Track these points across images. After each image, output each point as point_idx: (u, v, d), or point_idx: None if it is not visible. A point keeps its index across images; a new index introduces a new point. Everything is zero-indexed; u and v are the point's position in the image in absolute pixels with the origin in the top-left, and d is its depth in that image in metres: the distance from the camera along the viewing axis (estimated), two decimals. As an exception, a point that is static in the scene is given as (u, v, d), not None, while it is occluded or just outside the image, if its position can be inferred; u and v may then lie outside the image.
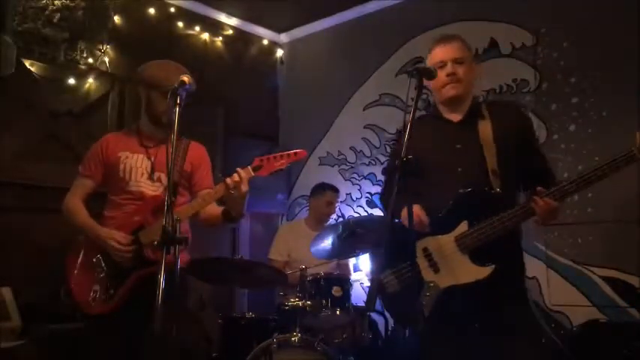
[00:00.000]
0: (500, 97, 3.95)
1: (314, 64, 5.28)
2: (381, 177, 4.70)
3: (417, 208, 2.21)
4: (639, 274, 3.34)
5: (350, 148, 4.92)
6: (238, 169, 2.42)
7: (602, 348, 3.07)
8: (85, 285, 2.49)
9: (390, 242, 2.12)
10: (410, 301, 2.21)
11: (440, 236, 2.22)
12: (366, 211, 4.77)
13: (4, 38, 3.31)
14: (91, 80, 4.01)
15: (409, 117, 1.97)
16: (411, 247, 2.24)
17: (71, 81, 3.92)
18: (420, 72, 2.03)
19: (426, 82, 2.20)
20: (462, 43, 2.35)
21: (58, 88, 3.85)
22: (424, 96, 3.68)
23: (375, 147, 4.77)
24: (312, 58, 5.31)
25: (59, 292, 3.01)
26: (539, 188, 2.06)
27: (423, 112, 2.59)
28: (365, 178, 4.81)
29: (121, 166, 2.57)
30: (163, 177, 2.58)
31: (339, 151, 5.00)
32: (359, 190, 4.84)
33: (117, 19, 4.20)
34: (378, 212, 4.67)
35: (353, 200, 4.85)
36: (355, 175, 4.87)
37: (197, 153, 2.72)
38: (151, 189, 2.56)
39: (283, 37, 5.49)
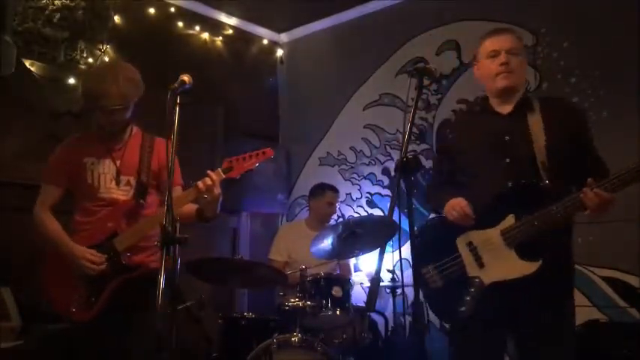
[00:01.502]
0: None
1: (314, 64, 5.28)
2: (381, 177, 4.70)
3: (461, 201, 2.19)
4: (639, 274, 3.34)
5: (350, 148, 4.92)
6: (209, 172, 2.43)
7: (602, 348, 3.07)
8: (65, 294, 2.48)
9: (433, 236, 2.10)
10: (453, 297, 2.17)
11: (485, 230, 2.18)
12: (366, 211, 4.77)
13: (4, 38, 3.31)
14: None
15: (409, 117, 1.97)
16: (453, 241, 2.22)
17: (71, 81, 3.92)
18: (420, 72, 2.02)
19: (476, 74, 2.19)
20: (515, 36, 2.32)
21: (58, 88, 3.85)
22: (424, 96, 3.69)
23: (375, 147, 4.76)
24: (312, 58, 5.31)
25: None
26: (589, 180, 1.99)
27: (469, 104, 2.56)
28: (365, 178, 4.81)
29: (89, 173, 2.54)
30: (132, 180, 2.58)
31: (339, 151, 5.00)
32: (359, 190, 4.83)
33: (117, 19, 4.20)
34: (378, 212, 4.67)
35: (353, 200, 4.85)
36: (355, 175, 4.87)
37: (163, 149, 2.65)
38: (121, 194, 2.56)
39: (283, 37, 5.49)
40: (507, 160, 2.20)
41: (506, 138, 2.23)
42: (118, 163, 2.58)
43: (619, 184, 1.97)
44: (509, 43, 2.27)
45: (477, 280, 2.15)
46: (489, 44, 2.30)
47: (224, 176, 2.43)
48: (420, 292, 2.22)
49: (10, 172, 3.55)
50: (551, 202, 2.06)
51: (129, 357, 2.43)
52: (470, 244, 2.22)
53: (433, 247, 2.28)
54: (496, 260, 2.14)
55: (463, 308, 2.13)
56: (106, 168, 2.56)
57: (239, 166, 2.45)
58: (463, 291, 2.16)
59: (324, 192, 4.27)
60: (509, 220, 2.14)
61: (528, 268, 2.06)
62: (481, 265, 2.18)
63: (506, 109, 2.30)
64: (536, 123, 2.20)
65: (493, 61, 2.26)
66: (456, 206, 2.20)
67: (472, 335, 2.18)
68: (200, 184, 2.41)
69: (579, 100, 3.66)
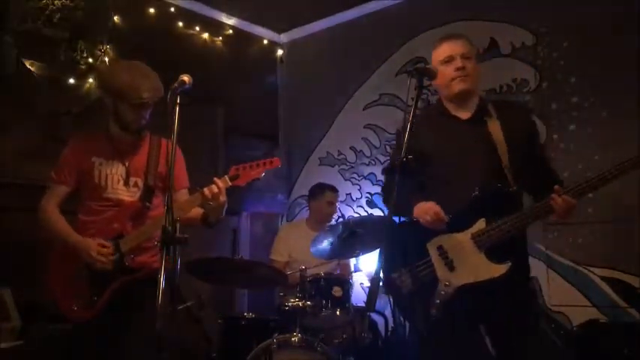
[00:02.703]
0: (501, 97, 3.95)
1: (314, 64, 5.28)
2: (381, 177, 4.70)
3: (433, 206, 2.21)
4: (639, 274, 3.34)
5: (350, 148, 4.92)
6: (216, 180, 2.43)
7: (602, 348, 3.07)
8: (67, 293, 2.49)
9: (402, 240, 2.12)
10: (424, 300, 2.20)
11: (455, 234, 2.21)
12: (366, 211, 4.77)
13: (5, 38, 3.32)
14: (91, 80, 4.01)
15: (409, 117, 1.97)
16: (424, 245, 2.25)
17: (71, 81, 3.92)
18: (420, 72, 2.02)
19: (432, 81, 2.20)
20: (467, 40, 2.36)
21: (58, 88, 3.85)
22: (424, 96, 3.69)
23: (375, 147, 4.77)
24: (312, 58, 5.31)
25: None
26: (556, 187, 2.09)
27: (422, 110, 2.60)
28: (365, 178, 4.81)
29: (96, 173, 2.54)
30: (139, 182, 2.58)
31: (339, 151, 5.00)
32: (359, 190, 4.83)
33: (117, 19, 4.20)
34: (378, 212, 4.68)
35: (353, 200, 4.85)
36: (355, 175, 4.87)
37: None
38: (128, 195, 2.56)
39: (283, 37, 5.48)
40: (472, 167, 2.24)
41: (469, 143, 2.28)
42: (127, 164, 2.58)
43: (584, 191, 2.08)
44: (462, 47, 2.32)
45: (447, 283, 2.20)
46: (443, 50, 2.35)
47: (230, 184, 2.43)
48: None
49: (10, 172, 3.55)
50: (518, 207, 2.15)
51: (129, 357, 2.43)
52: (440, 247, 2.25)
53: (402, 252, 2.29)
54: (466, 263, 2.18)
55: (432, 310, 2.17)
56: (114, 169, 2.56)
57: (245, 174, 2.45)
58: (433, 294, 2.19)
59: (323, 192, 4.26)
60: (480, 224, 2.18)
61: (498, 270, 2.12)
62: (452, 269, 2.21)
63: (464, 114, 2.33)
64: (495, 128, 2.26)
65: (448, 66, 2.30)
66: (429, 210, 2.21)
67: (444, 337, 2.21)
68: (206, 191, 2.41)
69: (579, 100, 3.67)
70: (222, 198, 2.43)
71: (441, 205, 2.21)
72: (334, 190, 4.31)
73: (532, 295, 2.33)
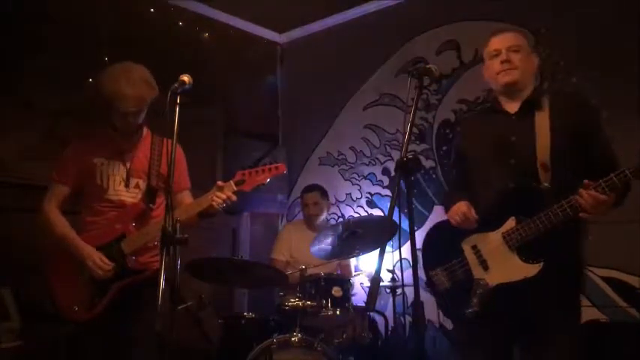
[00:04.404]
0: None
1: (314, 64, 5.28)
2: (381, 177, 4.70)
3: (461, 206, 2.22)
4: (639, 274, 3.34)
5: (350, 148, 4.92)
6: (220, 184, 2.43)
7: (602, 348, 3.07)
8: (69, 293, 2.49)
9: (439, 239, 2.12)
10: (461, 298, 2.20)
11: (487, 233, 2.21)
12: (366, 211, 4.77)
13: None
14: (90, 80, 4.00)
15: (409, 117, 1.97)
16: (460, 244, 2.25)
17: (71, 81, 3.92)
18: (420, 72, 2.02)
19: (485, 75, 2.24)
20: (518, 33, 2.35)
21: (58, 88, 3.84)
22: (424, 96, 3.69)
23: (375, 147, 4.76)
24: (312, 58, 5.30)
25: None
26: (585, 181, 2.00)
27: (482, 106, 2.58)
28: (365, 178, 4.81)
29: (98, 174, 2.54)
30: (141, 183, 2.58)
31: (339, 151, 5.00)
32: (359, 190, 4.83)
33: (117, 19, 4.20)
34: (378, 212, 4.67)
35: (353, 200, 4.85)
36: (355, 175, 4.87)
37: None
38: (130, 196, 2.56)
39: (283, 37, 5.48)
40: (512, 162, 2.21)
41: (513, 139, 2.24)
42: (128, 165, 2.57)
43: (614, 186, 1.95)
44: (509, 40, 2.30)
45: (482, 281, 2.18)
46: (491, 44, 2.34)
47: (236, 189, 2.44)
48: (427, 294, 2.27)
49: (10, 172, 3.55)
50: (550, 205, 2.06)
51: (129, 357, 2.43)
52: (474, 247, 2.25)
53: (440, 250, 2.31)
54: (499, 263, 2.17)
55: (470, 310, 2.16)
56: (116, 170, 2.56)
57: (251, 180, 2.45)
58: (470, 292, 2.19)
59: (302, 195, 4.33)
60: (510, 222, 2.17)
61: (530, 270, 2.09)
62: (486, 268, 2.21)
63: (513, 107, 2.30)
64: (543, 122, 2.20)
65: (495, 60, 2.29)
66: (458, 211, 2.23)
67: (478, 336, 2.21)
68: (216, 200, 2.42)
69: (579, 100, 3.66)
70: (234, 198, 2.45)
71: (476, 202, 2.22)
72: (310, 190, 4.31)
73: (574, 298, 2.21)
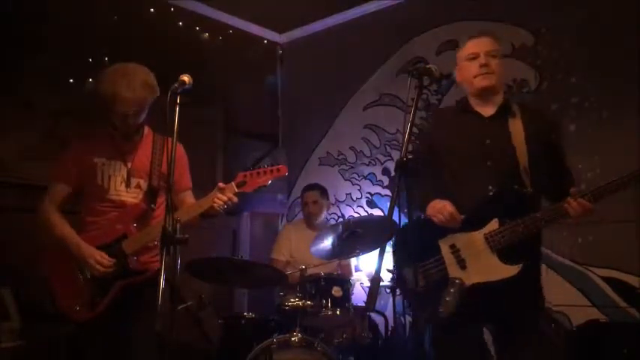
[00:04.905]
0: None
1: (314, 64, 5.28)
2: (381, 177, 4.70)
3: (447, 205, 2.22)
4: (639, 274, 3.34)
5: (350, 148, 4.92)
6: (221, 185, 2.43)
7: (602, 348, 3.07)
8: (69, 293, 2.48)
9: (416, 238, 2.13)
10: (434, 297, 2.21)
11: (469, 233, 2.22)
12: (366, 211, 4.77)
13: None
14: (90, 80, 4.00)
15: (409, 117, 1.98)
16: (436, 242, 2.26)
17: (71, 81, 3.92)
18: (420, 72, 2.04)
19: (458, 77, 2.26)
20: (494, 38, 2.38)
21: (58, 88, 3.85)
22: (424, 96, 3.69)
23: (375, 147, 4.76)
24: (312, 58, 5.31)
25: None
26: (572, 189, 2.10)
27: (449, 106, 2.61)
28: (365, 178, 4.81)
29: (99, 173, 2.53)
30: (142, 183, 2.57)
31: (339, 151, 5.00)
32: (359, 190, 4.83)
33: (117, 18, 4.20)
34: (378, 212, 4.67)
35: (353, 200, 4.85)
36: (355, 175, 4.87)
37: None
38: (131, 196, 2.55)
39: (283, 37, 5.49)
40: (489, 164, 2.25)
41: (488, 141, 2.28)
42: (129, 165, 2.56)
43: (600, 196, 2.07)
44: (488, 45, 2.33)
45: (457, 280, 2.20)
46: (468, 47, 2.36)
47: (237, 190, 2.43)
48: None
49: (10, 172, 3.55)
50: (532, 209, 2.14)
51: (129, 357, 2.43)
52: (453, 246, 2.26)
53: (416, 248, 2.31)
54: (478, 263, 2.19)
55: (442, 309, 2.17)
56: (117, 170, 2.55)
57: (252, 182, 2.45)
58: (444, 292, 2.20)
59: (302, 193, 4.33)
60: (494, 224, 2.19)
61: (509, 271, 2.13)
62: (463, 267, 2.23)
63: (487, 111, 2.34)
64: (517, 129, 2.26)
65: (472, 63, 2.31)
66: (443, 210, 2.22)
67: (453, 335, 2.22)
68: (217, 202, 2.41)
69: (579, 100, 3.66)
70: (235, 199, 2.45)
71: (454, 202, 2.22)
72: (310, 189, 4.32)
73: (539, 295, 2.28)
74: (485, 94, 2.33)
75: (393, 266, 2.35)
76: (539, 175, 2.20)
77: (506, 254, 2.15)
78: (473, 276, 2.19)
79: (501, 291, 2.12)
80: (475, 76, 2.30)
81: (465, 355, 2.23)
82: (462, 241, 2.23)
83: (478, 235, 2.20)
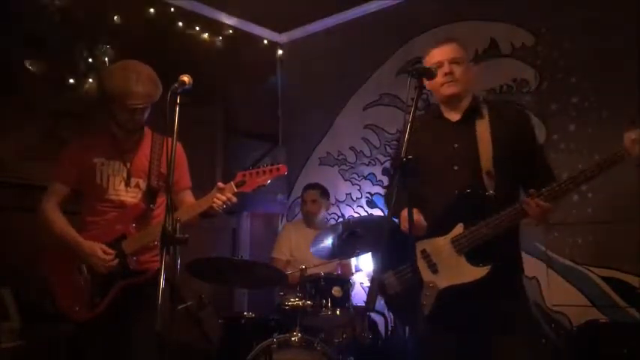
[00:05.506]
0: (500, 97, 3.95)
1: (314, 64, 5.28)
2: (381, 177, 4.70)
3: (414, 211, 2.21)
4: (639, 274, 3.34)
5: (350, 148, 4.92)
6: (220, 185, 2.43)
7: (602, 348, 3.07)
8: (69, 293, 2.48)
9: (392, 243, 2.14)
10: (411, 301, 2.23)
11: (436, 238, 2.25)
12: (366, 211, 4.77)
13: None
14: (90, 80, 4.00)
15: (409, 117, 1.98)
16: (410, 248, 2.24)
17: (71, 81, 3.92)
18: (420, 72, 2.04)
19: (425, 84, 2.23)
20: (458, 45, 2.39)
21: (58, 88, 3.85)
22: (424, 96, 3.69)
23: (375, 147, 4.76)
24: (312, 58, 5.30)
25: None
26: (530, 190, 2.10)
27: (423, 112, 2.61)
28: (365, 178, 4.81)
29: (98, 173, 2.53)
30: (141, 183, 2.57)
31: (339, 151, 5.00)
32: (359, 190, 4.83)
33: (117, 19, 4.20)
34: (378, 212, 4.67)
35: (353, 200, 4.85)
36: (355, 175, 4.87)
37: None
38: (130, 196, 2.55)
39: (283, 37, 5.48)
40: (455, 168, 2.27)
41: (455, 146, 2.30)
42: (128, 165, 2.56)
43: (557, 195, 2.07)
44: (451, 52, 2.34)
45: (431, 284, 2.24)
46: (432, 56, 2.38)
47: (236, 190, 2.43)
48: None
49: (10, 171, 3.55)
50: (496, 211, 2.14)
51: (129, 357, 2.43)
52: (423, 251, 2.28)
53: (391, 254, 2.30)
54: (448, 266, 2.22)
55: (419, 312, 2.20)
56: (116, 169, 2.55)
57: (252, 181, 2.44)
58: (419, 296, 2.23)
59: (303, 192, 4.34)
60: (459, 228, 2.21)
61: (478, 273, 2.15)
62: (435, 272, 2.25)
63: (454, 116, 2.36)
64: (484, 131, 2.27)
65: (438, 72, 2.31)
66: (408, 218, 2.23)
67: (430, 338, 2.21)
68: (216, 202, 2.41)
69: (579, 100, 3.67)
70: (234, 199, 2.45)
71: (427, 208, 2.24)
72: (310, 187, 4.32)
73: (519, 296, 2.28)
74: (451, 101, 2.35)
75: (373, 270, 2.37)
76: (504, 176, 2.21)
77: (474, 257, 2.17)
78: (444, 279, 2.22)
79: (475, 293, 2.13)
80: (441, 85, 2.32)
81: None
82: (432, 247, 2.27)
83: (445, 240, 2.23)
